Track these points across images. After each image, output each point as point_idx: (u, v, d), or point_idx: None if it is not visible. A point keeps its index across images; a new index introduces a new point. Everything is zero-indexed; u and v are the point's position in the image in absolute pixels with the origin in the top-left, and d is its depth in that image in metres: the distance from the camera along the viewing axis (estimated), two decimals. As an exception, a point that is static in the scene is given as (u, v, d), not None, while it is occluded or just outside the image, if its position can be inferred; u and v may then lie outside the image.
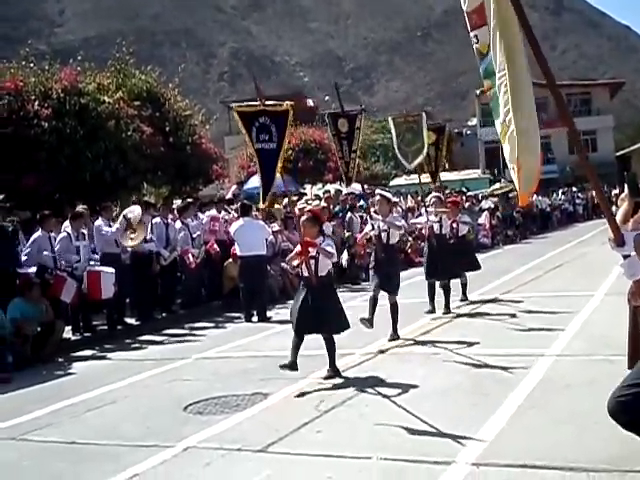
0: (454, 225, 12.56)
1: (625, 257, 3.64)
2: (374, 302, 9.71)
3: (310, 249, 7.80)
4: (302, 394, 7.50)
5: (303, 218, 8.35)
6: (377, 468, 5.30)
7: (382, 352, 9.33)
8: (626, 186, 5.32)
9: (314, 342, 8.34)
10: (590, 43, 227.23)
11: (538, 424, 5.96)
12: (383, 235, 9.85)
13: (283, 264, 15.01)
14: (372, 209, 11.25)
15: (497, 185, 38.07)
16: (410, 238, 19.91)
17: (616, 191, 39.87)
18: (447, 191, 20.54)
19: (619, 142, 62.30)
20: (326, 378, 7.83)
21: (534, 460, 5.12)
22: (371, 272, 10.04)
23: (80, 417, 7.42)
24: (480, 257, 22.55)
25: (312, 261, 7.78)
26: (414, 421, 6.39)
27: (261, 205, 10.32)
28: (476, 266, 13.44)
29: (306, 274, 7.86)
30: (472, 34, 4.06)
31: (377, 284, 9.74)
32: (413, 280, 15.02)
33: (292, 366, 7.74)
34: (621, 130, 68.74)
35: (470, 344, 9.39)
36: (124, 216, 12.49)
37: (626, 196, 5.24)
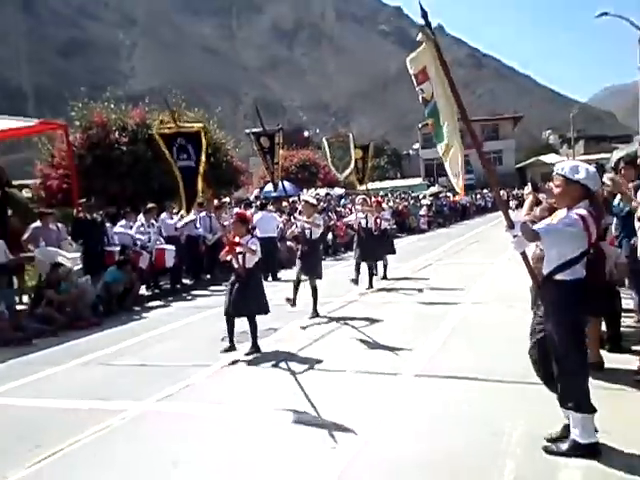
0: (377, 221, 11.19)
1: (514, 237, 3.68)
2: (297, 284, 8.43)
3: (237, 247, 6.73)
4: (304, 327, 7.59)
5: (233, 219, 7.27)
6: (342, 380, 5.31)
7: (351, 302, 9.31)
8: (529, 185, 5.85)
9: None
10: (500, 88, 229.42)
11: (463, 348, 5.99)
12: (307, 232, 8.53)
13: (289, 242, 14.98)
14: (298, 210, 9.32)
15: (432, 189, 38.93)
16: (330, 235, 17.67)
17: (515, 191, 40.24)
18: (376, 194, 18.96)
19: (518, 159, 62.55)
20: (247, 354, 6.55)
21: (461, 373, 5.15)
22: (297, 260, 8.63)
23: (148, 348, 7.39)
24: (420, 237, 22.74)
25: (240, 256, 6.73)
26: (371, 344, 6.48)
27: (184, 213, 9.16)
28: (392, 251, 12.04)
29: (236, 266, 6.78)
30: (418, 88, 4.08)
31: (301, 269, 8.41)
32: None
33: (230, 349, 6.72)
34: (520, 150, 68.48)
35: (408, 295, 9.50)
36: (181, 215, 12.46)
37: (530, 192, 5.75)
